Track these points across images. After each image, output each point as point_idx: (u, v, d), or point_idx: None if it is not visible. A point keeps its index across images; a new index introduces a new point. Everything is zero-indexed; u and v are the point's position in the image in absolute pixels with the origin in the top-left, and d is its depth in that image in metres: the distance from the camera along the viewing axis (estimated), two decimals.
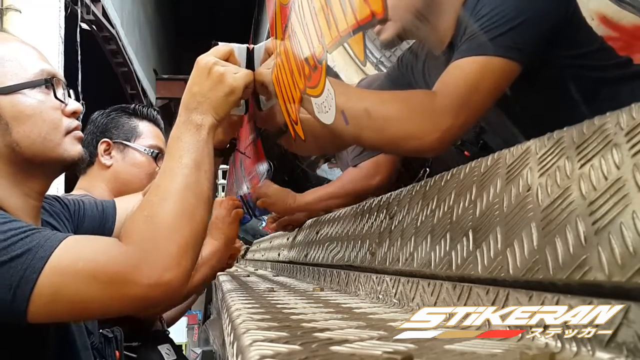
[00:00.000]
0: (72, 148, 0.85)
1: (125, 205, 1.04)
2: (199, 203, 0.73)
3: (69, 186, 1.57)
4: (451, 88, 0.82)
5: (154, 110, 1.55)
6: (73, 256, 0.66)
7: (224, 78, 0.79)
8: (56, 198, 0.99)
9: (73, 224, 0.97)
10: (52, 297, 0.64)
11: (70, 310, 0.68)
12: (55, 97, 0.83)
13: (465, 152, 1.22)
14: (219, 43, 0.87)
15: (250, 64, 0.89)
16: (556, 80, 0.90)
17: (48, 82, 0.83)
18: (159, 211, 0.70)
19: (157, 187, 0.74)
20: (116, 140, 1.44)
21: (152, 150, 1.46)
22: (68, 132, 0.84)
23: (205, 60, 0.81)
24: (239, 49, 0.87)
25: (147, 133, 1.49)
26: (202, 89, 0.79)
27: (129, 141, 1.45)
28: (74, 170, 0.91)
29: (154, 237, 0.68)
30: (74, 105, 0.87)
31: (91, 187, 1.39)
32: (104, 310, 0.72)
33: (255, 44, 0.91)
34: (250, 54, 0.89)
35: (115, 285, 0.65)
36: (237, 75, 0.81)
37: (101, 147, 1.44)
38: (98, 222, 1.01)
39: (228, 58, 0.84)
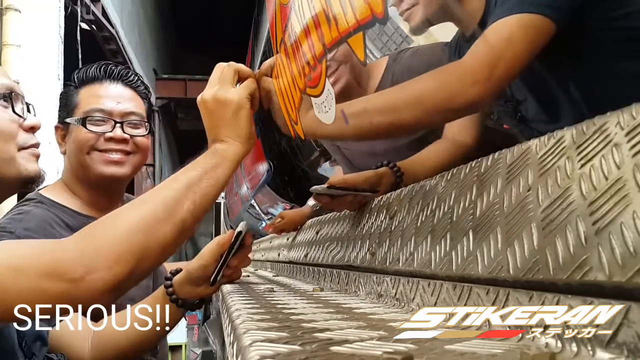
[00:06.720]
0: (28, 164, 0.83)
1: None
2: (166, 221, 0.68)
3: None
4: (485, 44, 0.82)
5: (115, 66, 1.23)
6: (8, 252, 0.64)
7: (224, 99, 0.77)
8: None
9: None
10: None
11: None
12: (14, 111, 0.83)
13: (505, 125, 1.21)
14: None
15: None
16: (594, 48, 0.88)
17: (6, 97, 0.83)
18: (121, 215, 0.68)
19: (140, 197, 0.72)
20: (61, 122, 1.21)
21: (83, 117, 1.15)
22: (23, 148, 0.83)
23: (203, 97, 0.79)
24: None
25: (84, 99, 1.18)
26: (211, 120, 0.77)
27: (69, 117, 1.18)
28: (31, 189, 0.89)
29: (97, 235, 0.65)
30: (32, 120, 0.86)
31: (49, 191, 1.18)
32: (23, 302, 0.63)
33: (255, 44, 0.91)
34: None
35: (40, 278, 0.61)
36: (235, 89, 0.79)
37: (56, 135, 1.21)
38: None
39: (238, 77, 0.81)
